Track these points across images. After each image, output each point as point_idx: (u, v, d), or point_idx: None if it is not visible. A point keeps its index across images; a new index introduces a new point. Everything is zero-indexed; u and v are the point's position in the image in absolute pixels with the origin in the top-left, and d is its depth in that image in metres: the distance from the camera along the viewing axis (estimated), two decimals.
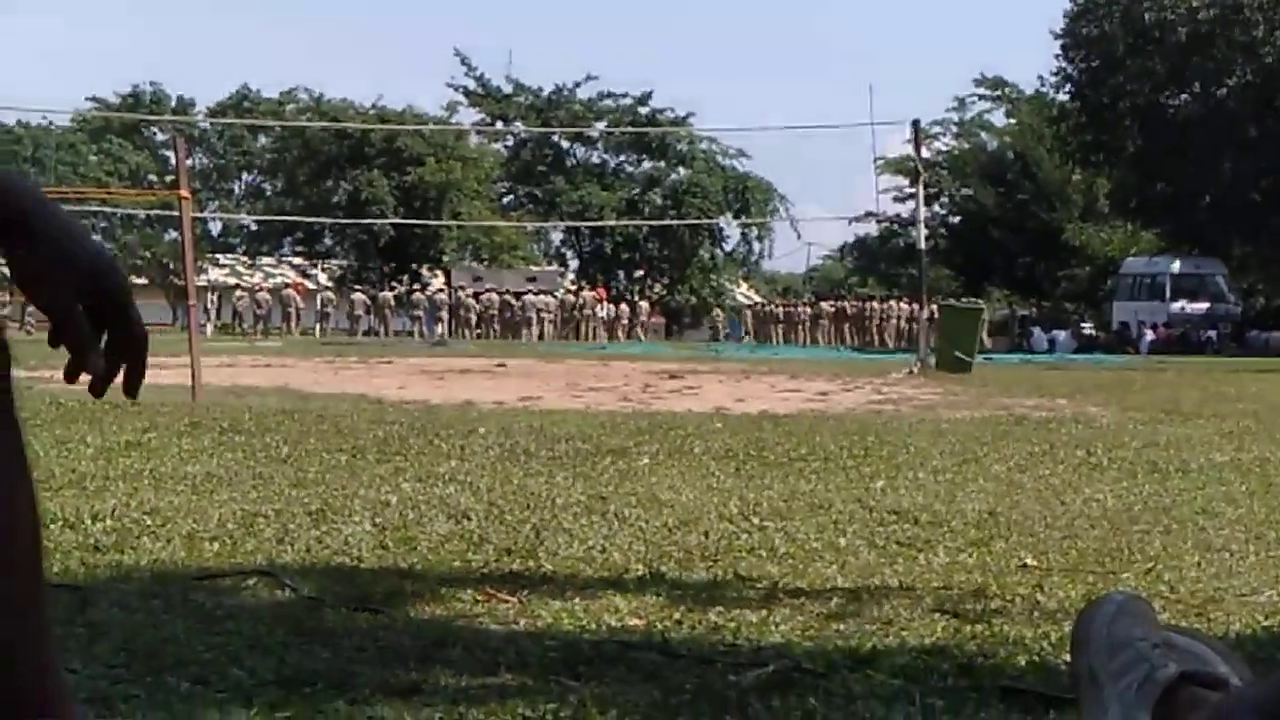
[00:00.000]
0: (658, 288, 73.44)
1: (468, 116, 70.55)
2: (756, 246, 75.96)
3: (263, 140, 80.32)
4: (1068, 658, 2.72)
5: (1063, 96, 59.80)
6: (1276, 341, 48.55)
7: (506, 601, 4.24)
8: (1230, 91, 52.69)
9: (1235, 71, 52.06)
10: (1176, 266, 54.00)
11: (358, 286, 64.89)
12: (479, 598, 4.29)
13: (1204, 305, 52.64)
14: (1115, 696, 2.36)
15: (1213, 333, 50.30)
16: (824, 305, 65.78)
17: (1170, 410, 14.72)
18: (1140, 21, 53.12)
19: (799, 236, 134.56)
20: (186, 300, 16.22)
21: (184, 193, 15.37)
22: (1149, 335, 50.01)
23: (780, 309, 67.76)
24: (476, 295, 60.81)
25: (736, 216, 70.96)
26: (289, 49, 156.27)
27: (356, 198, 65.01)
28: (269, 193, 79.58)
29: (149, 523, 5.70)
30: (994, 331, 57.95)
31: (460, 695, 3.11)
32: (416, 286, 63.32)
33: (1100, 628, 2.46)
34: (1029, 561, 5.13)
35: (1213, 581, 4.78)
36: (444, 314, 59.61)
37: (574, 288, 67.03)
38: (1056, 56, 57.40)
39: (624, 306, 65.59)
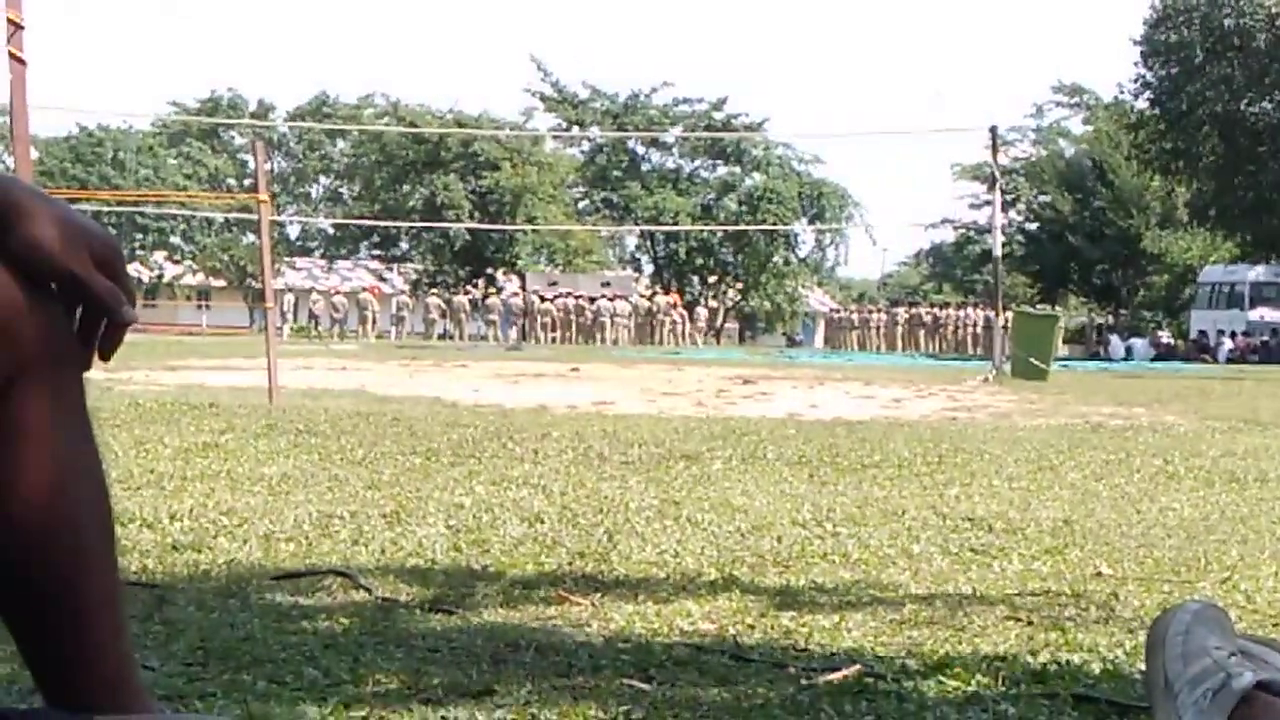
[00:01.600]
0: (732, 293, 73.41)
1: (544, 122, 70.85)
2: (831, 253, 75.97)
3: (340, 145, 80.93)
4: (1142, 666, 2.70)
5: (1141, 104, 59.44)
6: None
7: (579, 604, 4.25)
8: None
9: None
10: (1255, 274, 53.56)
11: (433, 290, 65.23)
12: (552, 600, 4.31)
13: None
14: (1190, 704, 2.35)
15: None
16: (899, 311, 65.58)
17: (1249, 419, 14.60)
18: (1219, 28, 52.72)
19: (874, 242, 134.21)
20: (264, 303, 16.35)
21: (262, 196, 15.49)
22: (1227, 344, 49.62)
23: (855, 315, 67.58)
24: (551, 299, 60.94)
25: (811, 222, 70.87)
26: (367, 54, 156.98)
27: (432, 202, 65.37)
28: (346, 197, 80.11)
29: (225, 523, 5.75)
30: (1071, 339, 57.65)
31: (532, 697, 3.12)
32: (492, 290, 63.60)
33: (1175, 635, 2.45)
34: (1104, 570, 5.09)
35: None
36: (519, 318, 59.78)
37: (648, 292, 67.07)
38: (1135, 64, 57.10)
39: (700, 310, 65.60)
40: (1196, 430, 12.96)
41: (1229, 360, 47.07)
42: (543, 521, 5.96)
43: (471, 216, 64.28)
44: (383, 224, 65.65)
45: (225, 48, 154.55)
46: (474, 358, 32.99)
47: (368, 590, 4.40)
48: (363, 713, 2.98)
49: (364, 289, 66.55)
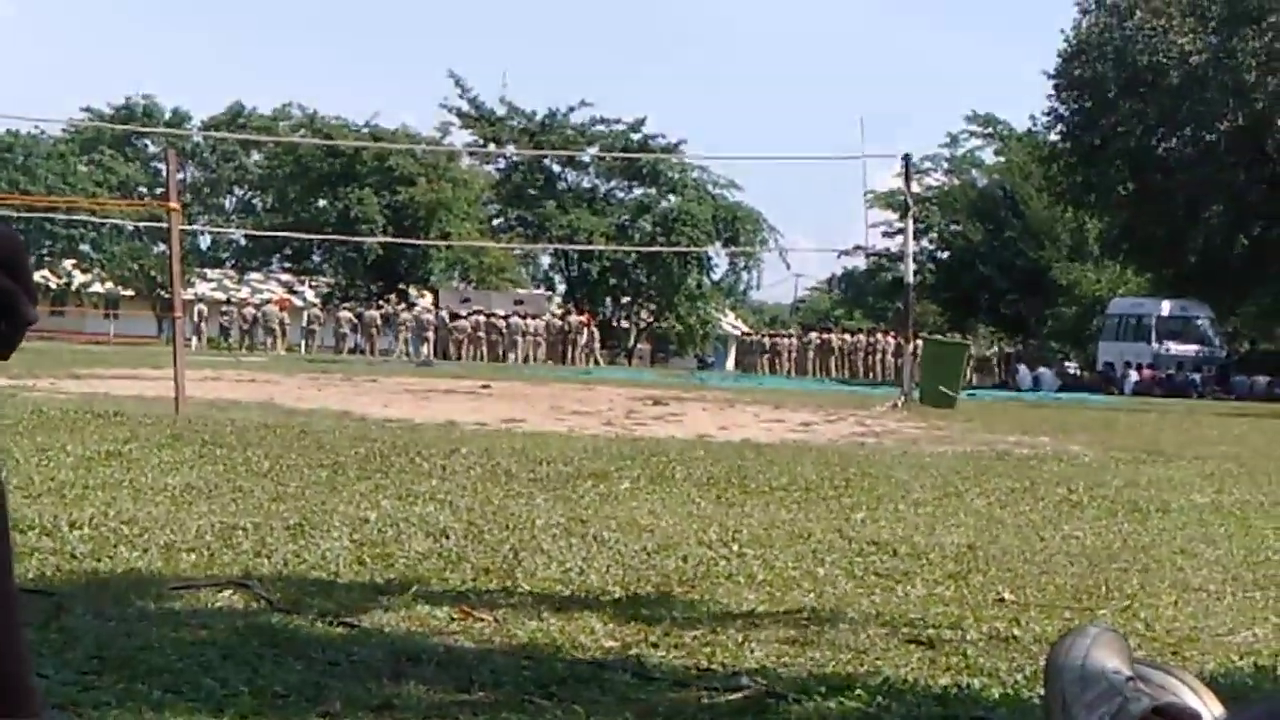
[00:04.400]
0: (644, 314, 73.49)
1: (460, 138, 70.69)
2: (744, 276, 76.12)
3: (255, 156, 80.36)
4: (1041, 690, 2.72)
5: (1054, 136, 59.96)
6: (1261, 386, 48.63)
7: (483, 620, 4.24)
8: (1221, 136, 52.86)
9: (1226, 115, 52.23)
10: (1163, 308, 54.09)
11: (345, 304, 64.85)
12: (455, 615, 4.29)
13: (1189, 348, 52.72)
14: None
15: (1197, 375, 50.37)
16: (810, 336, 65.83)
17: (1152, 451, 14.74)
18: (1133, 64, 53.27)
19: (788, 267, 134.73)
20: (173, 313, 16.19)
21: (173, 205, 15.36)
22: (1133, 376, 50.06)
23: (766, 339, 67.79)
24: (464, 316, 60.77)
25: (725, 246, 71.04)
26: (284, 67, 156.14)
27: (346, 215, 65.09)
28: (259, 208, 79.60)
29: (126, 532, 5.69)
30: (979, 368, 58.05)
31: (432, 711, 3.10)
32: (403, 306, 63.31)
33: (1074, 659, 2.46)
34: (1006, 596, 5.13)
35: (1189, 620, 4.78)
36: (430, 334, 59.55)
37: (561, 312, 67.00)
38: (1049, 96, 57.60)
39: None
40: (1101, 460, 13.07)
41: (1134, 392, 47.48)
42: (448, 537, 5.94)
43: (385, 231, 63.98)
44: (296, 236, 65.21)
45: (141, 56, 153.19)
46: (384, 373, 32.83)
47: (269, 602, 4.36)
48: None
49: (275, 301, 66.15)
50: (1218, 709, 2.44)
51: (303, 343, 61.60)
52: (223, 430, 11.26)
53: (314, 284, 74.75)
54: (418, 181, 66.27)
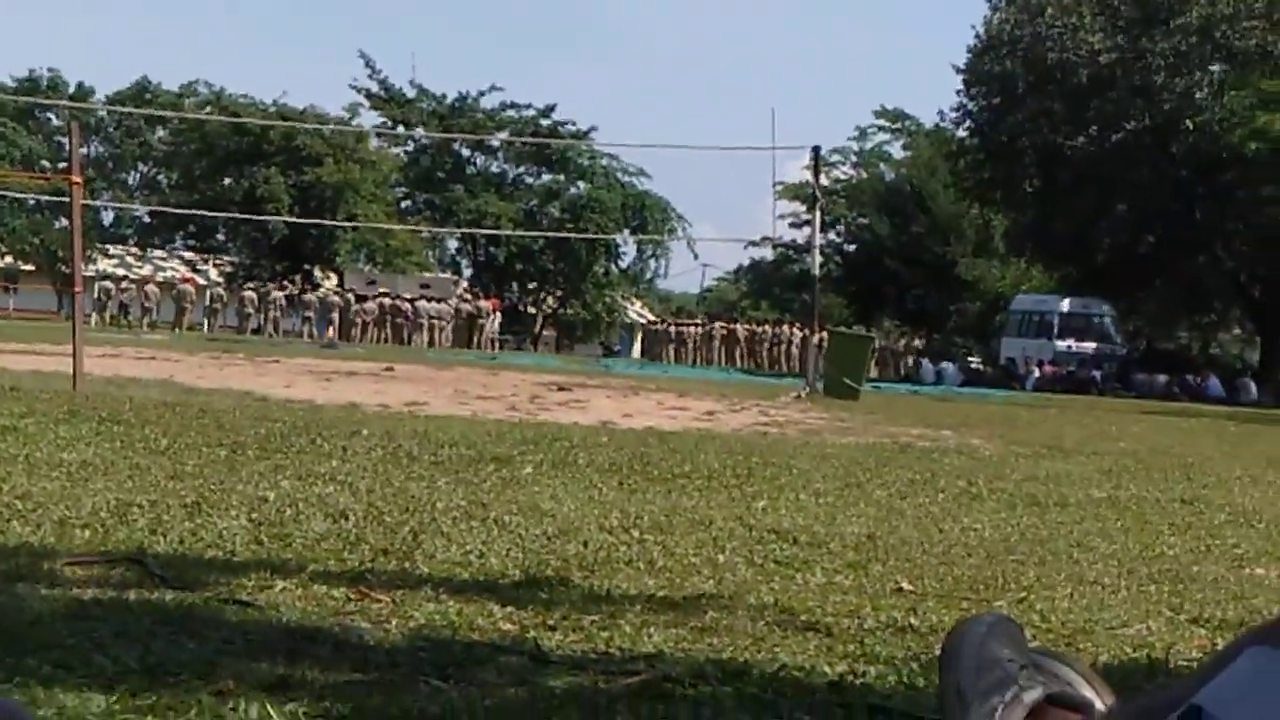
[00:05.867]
0: (551, 300, 73.40)
1: (369, 119, 70.29)
2: (652, 265, 76.17)
3: (160, 132, 79.57)
4: (936, 679, 2.73)
5: (962, 132, 60.37)
6: (1160, 384, 49.22)
7: (380, 601, 4.21)
8: (1127, 135, 53.41)
9: (1133, 115, 52.77)
10: (1065, 305, 54.58)
11: (249, 284, 64.34)
12: (352, 596, 4.26)
13: (1090, 345, 53.24)
14: (981, 716, 2.36)
15: (1098, 373, 50.90)
16: (716, 326, 65.97)
17: (1052, 446, 14.87)
18: (1042, 61, 53.70)
19: (695, 257, 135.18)
20: (73, 288, 15.99)
21: (75, 178, 15.17)
22: (1035, 372, 50.51)
23: (672, 328, 67.87)
24: (369, 299, 60.48)
25: (633, 234, 71.05)
26: (192, 44, 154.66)
27: (252, 194, 64.59)
28: (164, 185, 78.80)
29: (20, 507, 5.62)
30: (883, 361, 58.39)
31: (327, 691, 3.08)
32: (308, 287, 62.94)
33: (969, 647, 2.47)
34: (904, 586, 5.15)
35: (1084, 613, 4.82)
36: (335, 316, 59.21)
37: (467, 296, 66.79)
38: (958, 92, 57.98)
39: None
40: (1001, 454, 13.17)
41: (1036, 388, 47.89)
42: (347, 518, 5.90)
43: (291, 211, 63.53)
44: (200, 214, 64.61)
45: (46, 31, 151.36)
46: (287, 353, 32.62)
47: (163, 579, 4.31)
48: (150, 701, 2.92)
49: (178, 279, 65.54)
50: (1110, 699, 2.45)
51: (205, 322, 61.08)
52: (121, 407, 11.15)
53: (218, 263, 74.13)
54: (325, 162, 65.86)
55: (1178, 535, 7.36)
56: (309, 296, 60.64)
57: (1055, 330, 53.41)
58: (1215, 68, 52.84)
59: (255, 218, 61.05)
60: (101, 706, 2.87)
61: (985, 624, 2.54)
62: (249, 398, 14.86)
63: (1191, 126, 51.55)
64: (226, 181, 67.41)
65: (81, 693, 2.93)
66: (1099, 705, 2.39)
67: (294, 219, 62.03)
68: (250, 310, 60.71)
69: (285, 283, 63.58)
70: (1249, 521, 8.27)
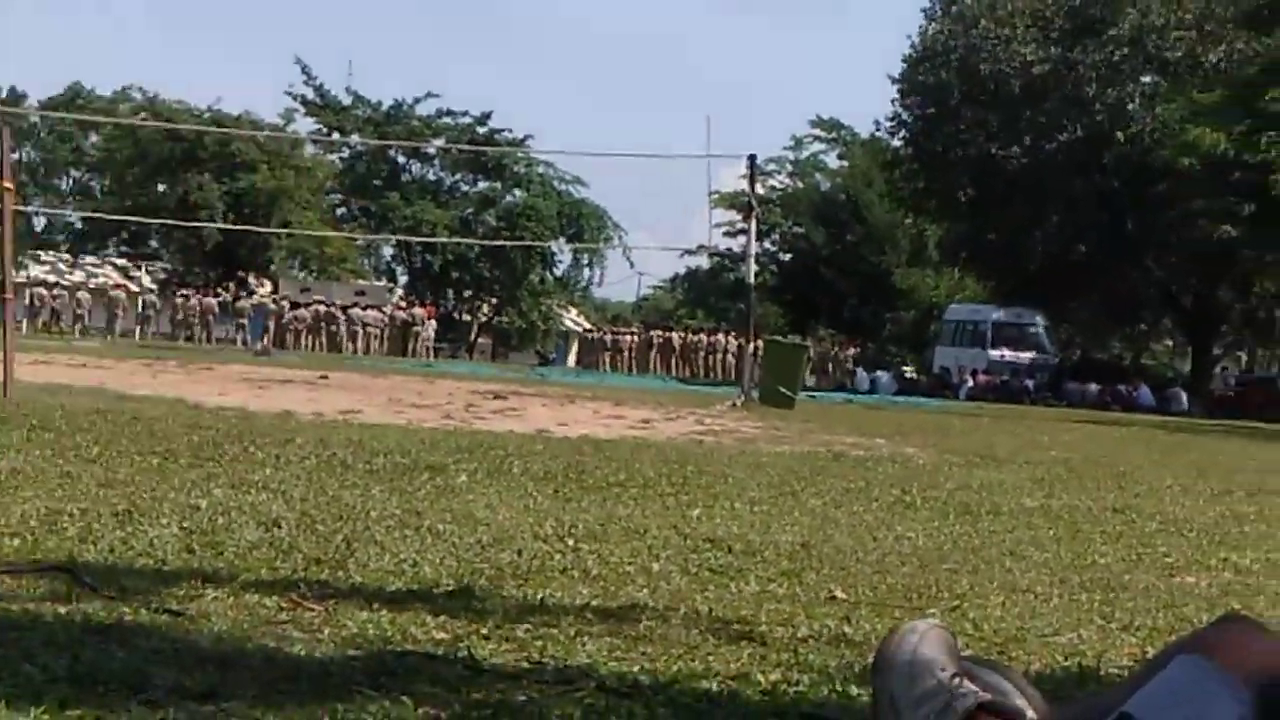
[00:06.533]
0: (486, 309, 73.24)
1: (304, 126, 69.96)
2: (588, 273, 76.08)
3: (93, 138, 79.01)
4: (870, 687, 2.73)
5: (897, 142, 60.65)
6: (1092, 393, 49.56)
7: (312, 610, 4.18)
8: (1060, 146, 53.78)
9: (1066, 127, 53.14)
10: (998, 315, 54.89)
11: (182, 291, 63.91)
12: (284, 605, 4.23)
13: (1024, 354, 53.55)
14: None
15: (1031, 382, 51.21)
16: (652, 335, 66.00)
17: (985, 455, 14.95)
18: (976, 73, 54.04)
19: (631, 265, 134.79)
20: (2, 294, 15.83)
21: (6, 183, 15.02)
22: (969, 381, 50.77)
23: (608, 336, 67.86)
24: (303, 306, 60.20)
25: (569, 242, 70.96)
26: (126, 50, 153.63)
27: (186, 201, 64.15)
28: (96, 191, 78.26)
29: None
30: (818, 370, 58.55)
31: (258, 701, 3.05)
32: (243, 294, 62.60)
33: (902, 655, 2.48)
34: (838, 594, 5.16)
35: (1016, 621, 4.84)
36: (269, 323, 58.92)
37: (403, 304, 66.56)
38: (893, 102, 58.26)
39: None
40: (935, 463, 13.23)
41: (969, 397, 48.13)
42: (280, 526, 5.86)
43: (225, 218, 63.16)
44: (133, 220, 64.13)
45: None
46: (221, 361, 32.41)
47: (93, 588, 4.27)
48: (79, 712, 2.89)
49: (110, 286, 65.06)
50: (1042, 707, 2.46)
51: (137, 329, 60.66)
52: (51, 415, 11.05)
53: (151, 270, 73.61)
54: (259, 168, 65.52)
55: (1109, 544, 7.41)
56: (243, 304, 60.32)
57: (988, 340, 53.71)
58: (1147, 79, 53.30)
59: (189, 224, 60.65)
60: (30, 716, 2.84)
61: (918, 633, 2.55)
62: (181, 405, 14.75)
63: (1123, 138, 51.97)
64: (160, 188, 66.96)
65: (10, 704, 2.90)
66: (1030, 713, 2.40)
67: (228, 226, 61.68)
68: (184, 317, 60.34)
69: (219, 290, 63.21)
70: (1179, 530, 8.33)
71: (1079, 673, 4.01)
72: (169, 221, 61.85)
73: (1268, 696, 1.06)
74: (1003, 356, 53.12)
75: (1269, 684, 1.08)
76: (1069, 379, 52.94)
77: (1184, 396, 49.75)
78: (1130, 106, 52.27)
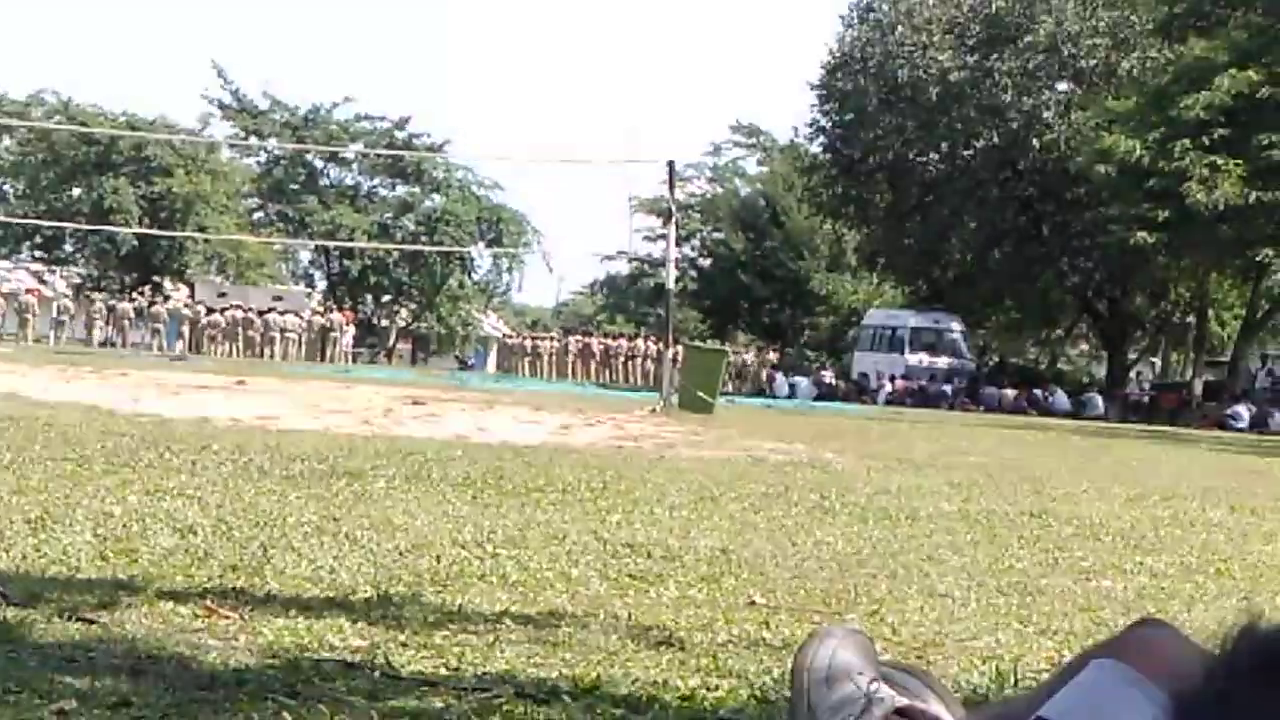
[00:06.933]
0: (405, 314, 72.99)
1: (221, 130, 69.49)
2: (506, 278, 75.94)
3: (6, 141, 78.11)
4: (788, 692, 2.73)
5: (816, 148, 60.89)
6: (1009, 399, 49.90)
7: (228, 618, 4.15)
8: (976, 153, 54.15)
9: (982, 134, 53.51)
10: (915, 320, 55.18)
11: (97, 295, 63.35)
12: (199, 613, 4.19)
13: (941, 360, 53.85)
14: None
15: (948, 387, 51.51)
16: (571, 340, 65.97)
17: (903, 459, 15.01)
18: (893, 78, 54.33)
19: (550, 271, 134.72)
20: None
21: None
22: (887, 387, 51.01)
23: (527, 341, 67.78)
24: (220, 311, 59.79)
25: (489, 247, 70.83)
26: (40, 52, 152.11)
27: (100, 205, 63.59)
28: (9, 195, 77.38)
29: None
30: (738, 375, 58.67)
31: (171, 709, 3.02)
32: (158, 299, 62.10)
33: (820, 661, 2.48)
34: (757, 599, 5.16)
35: (934, 625, 4.86)
36: (185, 328, 58.47)
37: (320, 309, 66.24)
38: (812, 108, 58.48)
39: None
40: (853, 468, 13.27)
41: (888, 402, 48.38)
42: (196, 533, 5.81)
43: (141, 222, 62.72)
44: (47, 224, 63.54)
45: None
46: (136, 366, 32.13)
47: (4, 596, 4.22)
48: None
49: (24, 290, 64.39)
50: (959, 711, 2.47)
51: (51, 334, 60.06)
52: None
53: (65, 274, 72.87)
54: (175, 173, 65.03)
55: (1026, 548, 7.45)
56: (158, 309, 59.82)
57: (906, 345, 53.99)
58: (1062, 86, 53.74)
59: (103, 228, 60.17)
60: None
61: (836, 638, 2.55)
62: (96, 411, 14.61)
63: (1039, 145, 52.39)
64: (75, 192, 66.31)
65: None
66: (948, 718, 2.40)
67: (143, 230, 61.21)
68: (98, 322, 59.80)
69: (134, 295, 62.68)
70: (1095, 534, 8.39)
71: (996, 677, 4.02)
72: (83, 226, 61.35)
73: (1181, 701, 1.06)
74: (921, 362, 53.41)
75: (1183, 688, 1.08)
76: (986, 384, 53.30)
77: (1099, 401, 50.18)
78: (1046, 114, 52.69)
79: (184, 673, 3.38)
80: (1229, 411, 45.60)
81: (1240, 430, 42.49)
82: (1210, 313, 55.85)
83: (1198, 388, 51.53)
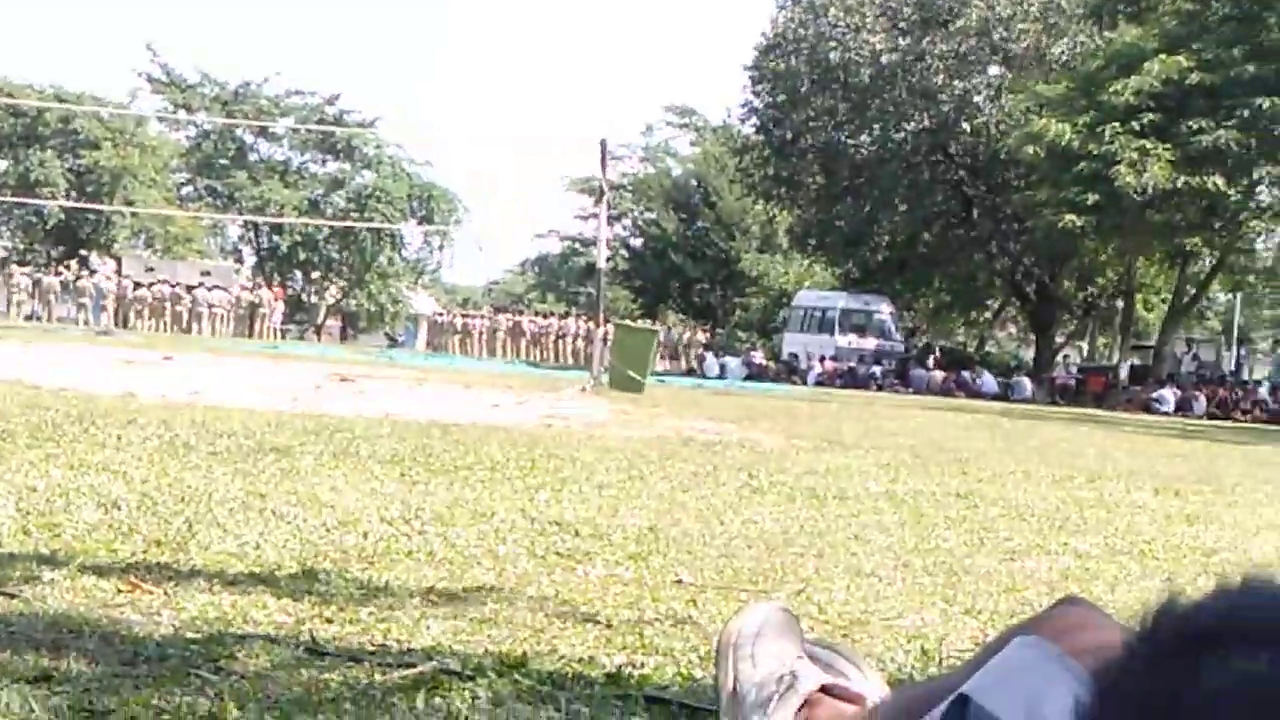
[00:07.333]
0: (335, 290, 72.70)
1: (150, 104, 68.98)
2: (437, 256, 75.77)
3: None
4: (714, 669, 2.73)
5: (748, 129, 60.98)
6: (937, 380, 50.16)
7: (151, 593, 4.12)
8: (907, 135, 54.37)
9: (913, 116, 53.73)
10: (845, 302, 55.40)
11: (22, 269, 62.78)
12: (122, 588, 4.16)
13: (870, 341, 54.09)
14: (756, 706, 2.37)
15: (877, 369, 51.73)
16: (502, 318, 65.87)
17: (832, 440, 15.07)
18: (825, 61, 54.47)
19: (480, 249, 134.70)
20: None
21: None
22: (817, 367, 51.19)
23: (458, 319, 67.63)
24: (147, 286, 59.36)
25: (419, 224, 70.64)
26: None
27: (26, 178, 63.03)
28: None
29: None
30: (668, 355, 58.74)
31: (93, 684, 3.00)
32: (85, 272, 61.62)
33: (745, 637, 2.48)
34: (684, 577, 5.16)
35: (860, 604, 4.88)
36: (111, 302, 58.04)
37: (249, 285, 65.89)
38: (744, 89, 58.58)
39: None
40: (782, 448, 13.30)
41: (817, 383, 48.55)
42: (120, 508, 5.76)
43: (68, 195, 62.28)
44: None
45: None
46: (62, 340, 31.87)
47: None
48: None
49: None
50: (882, 688, 2.48)
51: None
52: None
53: None
54: (103, 146, 64.54)
55: (952, 529, 7.49)
56: (85, 282, 59.35)
57: (836, 326, 54.20)
58: (994, 70, 54.01)
59: (29, 201, 59.62)
60: None
61: (762, 614, 2.55)
62: (20, 385, 14.47)
63: (970, 128, 52.65)
64: (0, 164, 65.74)
65: None
66: (872, 695, 2.41)
67: (70, 203, 60.70)
68: (23, 296, 59.26)
69: (60, 268, 62.17)
70: (1021, 515, 8.45)
71: (921, 655, 4.04)
72: (8, 199, 60.78)
73: (1101, 675, 1.07)
74: (850, 343, 53.63)
75: (1104, 664, 1.09)
76: (915, 366, 53.56)
77: (1027, 384, 50.52)
78: (977, 97, 52.96)
79: (106, 647, 3.36)
80: (1154, 395, 46.02)
81: (1165, 414, 42.91)
82: (1137, 297, 56.29)
83: (1124, 372, 51.97)
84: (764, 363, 55.58)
